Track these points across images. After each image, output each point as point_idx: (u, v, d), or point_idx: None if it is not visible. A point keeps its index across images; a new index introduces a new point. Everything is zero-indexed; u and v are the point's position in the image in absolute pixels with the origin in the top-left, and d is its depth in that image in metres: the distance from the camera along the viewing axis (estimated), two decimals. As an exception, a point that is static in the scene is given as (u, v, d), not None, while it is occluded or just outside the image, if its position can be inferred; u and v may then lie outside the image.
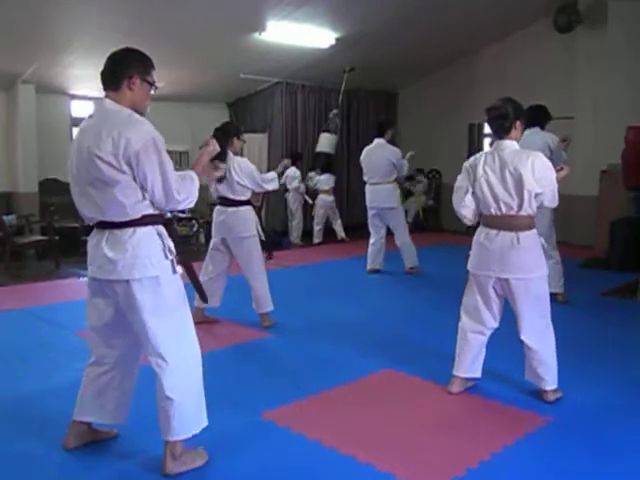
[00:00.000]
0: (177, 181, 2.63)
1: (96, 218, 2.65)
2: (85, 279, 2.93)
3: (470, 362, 3.59)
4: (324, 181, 9.67)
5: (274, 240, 9.39)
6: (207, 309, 5.06)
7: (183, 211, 8.31)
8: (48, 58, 7.59)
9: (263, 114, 10.53)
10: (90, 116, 2.67)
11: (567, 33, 8.81)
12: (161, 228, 2.69)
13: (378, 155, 6.89)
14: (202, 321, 5.03)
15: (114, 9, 6.46)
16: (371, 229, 7.12)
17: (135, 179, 2.55)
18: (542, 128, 5.47)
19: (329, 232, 10.32)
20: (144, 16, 6.75)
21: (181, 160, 9.79)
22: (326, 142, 9.61)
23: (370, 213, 7.07)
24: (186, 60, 8.35)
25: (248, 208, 4.93)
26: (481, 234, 3.48)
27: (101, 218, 2.62)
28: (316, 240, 9.76)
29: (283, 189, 9.56)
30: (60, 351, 4.40)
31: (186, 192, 2.67)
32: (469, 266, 3.56)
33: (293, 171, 9.52)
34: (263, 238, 5.05)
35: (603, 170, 8.41)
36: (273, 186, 4.99)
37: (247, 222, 4.88)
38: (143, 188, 2.58)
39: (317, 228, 9.77)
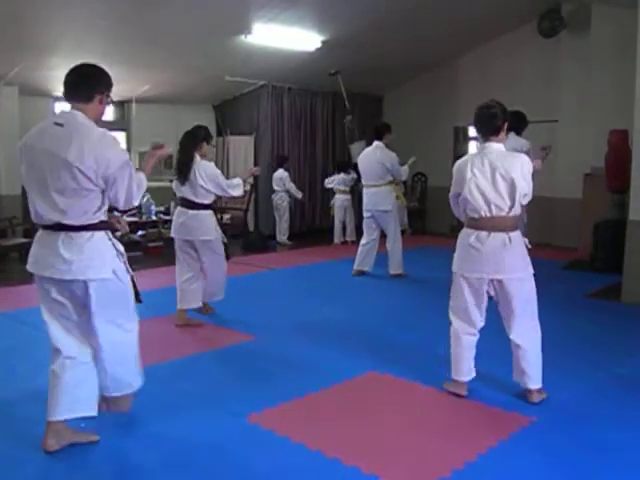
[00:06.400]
0: (136, 191, 2.89)
1: (53, 220, 2.78)
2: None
3: (469, 365, 3.60)
4: (339, 181, 9.76)
5: (261, 243, 9.42)
6: (190, 311, 5.08)
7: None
8: (32, 60, 7.52)
9: (249, 116, 10.52)
10: (57, 124, 2.77)
11: (551, 38, 8.90)
12: (110, 233, 2.94)
13: (372, 158, 6.91)
14: (186, 324, 5.03)
15: (98, 11, 6.42)
16: (364, 230, 7.14)
17: (103, 191, 2.81)
18: (518, 134, 5.58)
19: (318, 232, 10.33)
20: (129, 18, 6.71)
21: (165, 163, 9.73)
22: (356, 152, 9.83)
23: (365, 215, 7.09)
24: (171, 62, 8.32)
25: (209, 213, 5.01)
26: (470, 236, 3.46)
27: (61, 221, 2.77)
28: (336, 240, 9.85)
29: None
30: (42, 354, 4.33)
31: (139, 197, 2.96)
32: (457, 269, 3.54)
33: (280, 173, 9.62)
34: (225, 241, 5.16)
35: (587, 173, 8.49)
36: (238, 192, 5.08)
37: (207, 225, 4.96)
38: (107, 197, 2.84)
39: (337, 228, 9.87)
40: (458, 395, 3.57)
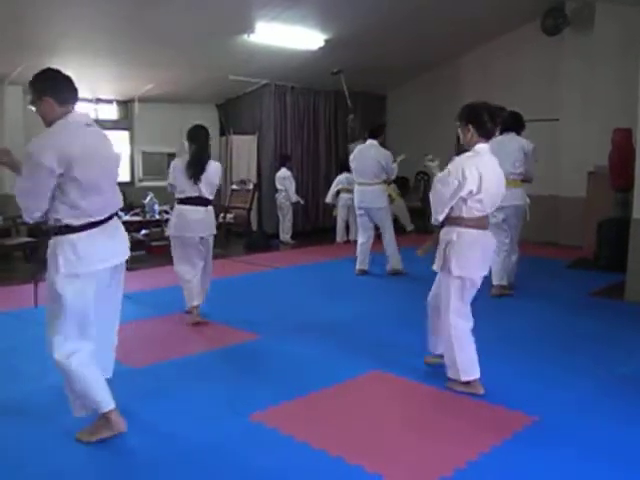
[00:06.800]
0: None
1: (113, 212, 3.05)
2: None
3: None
4: (343, 180, 9.70)
5: (264, 242, 9.43)
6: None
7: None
8: (35, 60, 7.49)
9: (252, 115, 10.52)
10: (87, 124, 2.98)
11: (554, 36, 8.88)
12: None
13: (367, 156, 6.91)
14: (198, 322, 5.00)
15: (102, 11, 6.43)
16: (360, 229, 7.14)
17: None
18: (518, 134, 5.74)
19: (321, 231, 10.32)
20: (132, 18, 6.72)
21: (169, 162, 9.75)
22: None
23: (358, 213, 7.09)
24: (174, 61, 8.32)
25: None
26: (474, 236, 3.48)
27: (117, 211, 3.10)
28: (339, 239, 9.83)
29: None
30: (46, 353, 4.35)
31: None
32: (461, 271, 3.49)
33: (283, 172, 9.60)
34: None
35: (590, 171, 8.47)
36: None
37: (214, 220, 5.17)
38: None
39: (339, 227, 9.84)
40: (478, 394, 3.55)
